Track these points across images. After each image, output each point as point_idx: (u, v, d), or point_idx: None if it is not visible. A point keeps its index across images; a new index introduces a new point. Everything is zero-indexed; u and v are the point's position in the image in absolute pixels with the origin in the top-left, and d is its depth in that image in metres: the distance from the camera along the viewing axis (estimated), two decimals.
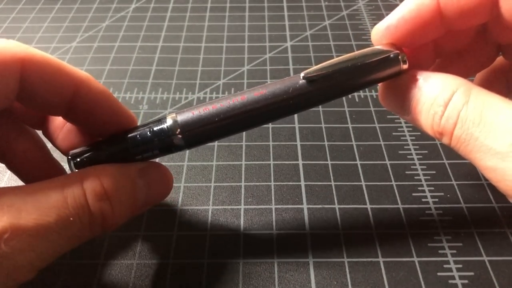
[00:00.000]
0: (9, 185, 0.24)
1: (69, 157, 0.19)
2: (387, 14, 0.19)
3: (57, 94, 0.17)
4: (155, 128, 0.18)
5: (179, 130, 0.18)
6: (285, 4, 0.38)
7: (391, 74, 0.19)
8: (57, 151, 0.20)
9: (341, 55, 0.19)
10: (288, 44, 0.34)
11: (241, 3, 0.39)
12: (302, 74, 0.18)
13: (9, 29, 0.36)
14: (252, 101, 0.18)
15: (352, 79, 0.19)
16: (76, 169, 0.18)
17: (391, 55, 0.18)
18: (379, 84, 0.19)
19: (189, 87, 0.30)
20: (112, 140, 0.19)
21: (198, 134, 0.18)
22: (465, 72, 0.21)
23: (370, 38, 0.33)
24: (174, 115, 0.18)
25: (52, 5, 0.39)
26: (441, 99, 0.17)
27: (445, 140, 0.17)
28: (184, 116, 0.18)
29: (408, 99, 0.18)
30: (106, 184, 0.16)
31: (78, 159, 0.18)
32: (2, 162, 0.19)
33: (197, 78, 0.31)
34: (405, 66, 0.18)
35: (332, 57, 0.34)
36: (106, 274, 0.20)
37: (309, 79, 0.18)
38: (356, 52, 0.19)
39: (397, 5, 0.19)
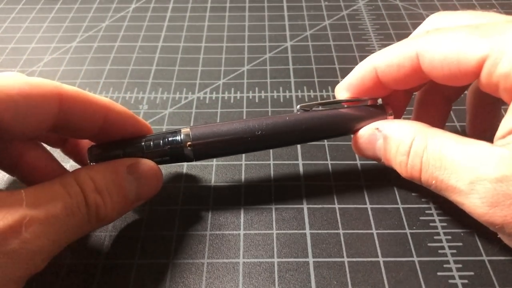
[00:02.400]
0: (9, 184, 0.24)
1: (89, 149, 0.21)
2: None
3: (91, 122, 0.19)
4: (169, 138, 0.20)
5: (189, 143, 0.20)
6: (285, 4, 0.38)
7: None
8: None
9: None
10: (288, 44, 0.34)
11: (241, 3, 0.39)
12: (298, 107, 0.21)
13: (9, 29, 0.36)
14: (255, 128, 0.21)
15: (342, 119, 0.21)
16: (92, 161, 0.20)
17: (380, 104, 0.22)
18: (352, 139, 0.22)
19: (189, 87, 0.30)
20: (130, 141, 0.21)
21: (205, 149, 0.21)
22: (444, 102, 0.23)
23: (370, 38, 0.33)
24: (188, 129, 0.21)
25: (52, 5, 0.39)
26: (403, 149, 0.19)
27: (417, 182, 0.19)
28: (197, 132, 0.20)
29: (377, 149, 0.20)
30: (96, 179, 0.18)
31: (96, 153, 0.21)
32: (14, 175, 0.21)
33: (197, 78, 0.31)
34: (391, 117, 0.21)
35: (332, 57, 0.35)
36: (106, 274, 0.20)
37: (304, 109, 0.21)
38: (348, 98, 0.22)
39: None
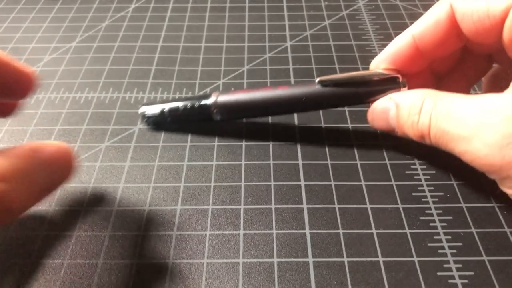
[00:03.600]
0: None
1: (140, 109, 0.26)
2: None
3: None
4: (202, 101, 0.25)
5: (216, 105, 0.25)
6: (285, 4, 0.38)
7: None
8: None
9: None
10: (288, 44, 0.34)
11: (241, 3, 0.39)
12: (317, 80, 0.23)
13: (9, 29, 0.36)
14: (275, 94, 0.24)
15: (357, 90, 0.23)
16: (142, 121, 0.26)
17: (394, 76, 0.23)
18: (367, 113, 0.24)
19: (189, 87, 0.30)
20: (169, 101, 0.26)
21: (228, 114, 0.25)
22: (466, 85, 0.24)
23: (370, 38, 0.34)
24: (217, 93, 0.25)
25: (52, 5, 0.39)
26: (414, 110, 0.20)
27: (427, 141, 0.21)
28: (222, 98, 0.25)
29: (390, 119, 0.22)
30: None
31: (144, 112, 0.26)
32: None
33: (197, 78, 0.31)
34: (404, 89, 0.22)
35: (332, 57, 0.35)
36: (105, 274, 0.20)
37: (323, 84, 0.23)
38: (365, 71, 0.23)
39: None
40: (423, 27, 0.21)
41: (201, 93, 0.29)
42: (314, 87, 0.23)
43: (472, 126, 0.18)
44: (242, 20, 0.36)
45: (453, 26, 0.21)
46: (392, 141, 0.26)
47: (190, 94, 0.29)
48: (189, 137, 0.26)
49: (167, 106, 0.26)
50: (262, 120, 0.27)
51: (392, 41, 0.23)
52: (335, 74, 0.23)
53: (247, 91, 0.25)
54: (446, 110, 0.19)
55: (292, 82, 0.30)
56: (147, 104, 0.27)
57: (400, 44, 0.22)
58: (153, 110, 0.26)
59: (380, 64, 0.23)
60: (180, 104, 0.25)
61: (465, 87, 0.24)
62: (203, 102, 0.25)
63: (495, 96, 0.18)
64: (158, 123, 0.26)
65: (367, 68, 0.24)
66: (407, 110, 0.21)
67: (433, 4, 0.37)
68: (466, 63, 0.24)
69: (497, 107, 0.17)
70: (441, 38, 0.21)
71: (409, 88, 0.22)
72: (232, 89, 0.29)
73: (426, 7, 0.36)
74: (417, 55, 0.22)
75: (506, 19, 0.18)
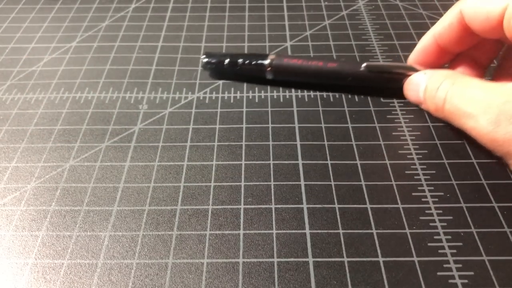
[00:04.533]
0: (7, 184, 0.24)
1: (202, 56, 0.30)
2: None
3: None
4: (258, 61, 0.29)
5: (270, 66, 0.28)
6: (285, 4, 0.38)
7: None
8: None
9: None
10: (288, 44, 0.34)
11: (241, 3, 0.39)
12: (364, 64, 0.27)
13: (9, 29, 0.36)
14: (324, 69, 0.28)
15: (394, 77, 0.27)
16: (203, 67, 0.31)
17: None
18: (405, 83, 0.27)
19: (189, 87, 0.30)
20: (232, 54, 0.30)
21: (281, 75, 0.29)
22: (479, 68, 0.27)
23: (370, 38, 0.34)
24: (273, 57, 0.29)
25: (52, 5, 0.39)
26: (435, 86, 0.24)
27: (440, 114, 0.24)
28: (278, 60, 0.28)
29: (420, 92, 0.25)
30: None
31: (205, 60, 0.30)
32: None
33: (197, 78, 0.31)
34: None
35: (332, 57, 0.35)
36: (105, 274, 0.20)
37: (369, 69, 0.27)
38: (404, 63, 0.28)
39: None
40: (440, 29, 0.25)
41: (259, 52, 0.33)
42: (359, 69, 0.27)
43: (481, 106, 0.21)
44: (242, 20, 0.36)
45: (464, 27, 0.24)
46: (392, 141, 0.26)
47: (190, 94, 0.29)
48: (189, 137, 0.26)
49: (227, 59, 0.29)
50: (262, 120, 0.27)
51: (419, 40, 0.27)
52: (380, 63, 0.29)
53: (300, 60, 0.28)
54: (461, 89, 0.22)
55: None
56: (210, 52, 0.31)
57: (425, 43, 0.27)
58: (214, 58, 0.30)
59: (411, 60, 0.28)
60: (239, 59, 0.29)
61: (479, 70, 0.27)
62: (260, 61, 0.29)
63: (502, 83, 0.22)
64: (216, 70, 0.30)
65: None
66: (430, 86, 0.24)
67: (433, 4, 0.37)
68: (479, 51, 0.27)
69: (502, 91, 0.21)
70: (456, 38, 0.25)
71: None
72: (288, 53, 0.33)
73: (426, 7, 0.37)
74: (440, 51, 0.26)
75: (503, 20, 0.21)
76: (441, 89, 0.23)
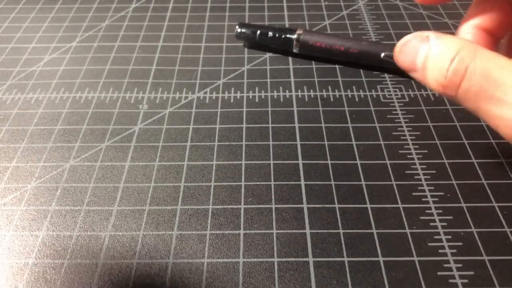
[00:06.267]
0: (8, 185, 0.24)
1: (237, 26, 0.33)
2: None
3: None
4: (287, 34, 0.31)
5: (298, 40, 0.31)
6: (285, 4, 0.38)
7: None
8: None
9: None
10: None
11: (241, 3, 0.39)
12: (383, 54, 0.29)
13: (9, 29, 0.36)
14: (346, 49, 0.30)
15: None
16: (236, 37, 0.33)
17: None
18: (399, 43, 0.22)
19: (189, 87, 0.30)
20: (263, 26, 0.32)
21: (306, 51, 0.31)
22: (492, 40, 0.23)
23: (370, 38, 0.34)
24: (301, 31, 0.31)
25: (52, 5, 0.39)
26: (448, 54, 0.19)
27: (449, 92, 0.19)
28: (304, 37, 0.31)
29: (419, 56, 0.20)
30: None
31: (239, 30, 0.32)
32: None
33: (197, 78, 0.31)
34: None
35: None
36: (105, 274, 0.20)
37: (387, 57, 0.29)
38: None
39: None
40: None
41: (289, 27, 0.35)
42: (379, 57, 0.29)
43: None
44: (242, 20, 0.36)
45: None
46: (392, 141, 0.26)
47: (190, 94, 0.29)
48: (189, 137, 0.26)
49: (259, 30, 0.32)
50: (262, 120, 0.27)
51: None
52: None
53: (326, 37, 0.30)
54: (488, 68, 0.18)
55: (292, 81, 0.30)
56: (243, 23, 0.33)
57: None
58: (247, 29, 0.32)
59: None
60: (270, 32, 0.31)
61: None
62: (288, 35, 0.31)
63: None
64: (247, 39, 0.32)
65: None
66: (440, 52, 0.19)
67: None
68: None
69: None
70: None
71: None
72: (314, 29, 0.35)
73: (426, 7, 0.37)
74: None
75: None
76: (458, 61, 0.19)
